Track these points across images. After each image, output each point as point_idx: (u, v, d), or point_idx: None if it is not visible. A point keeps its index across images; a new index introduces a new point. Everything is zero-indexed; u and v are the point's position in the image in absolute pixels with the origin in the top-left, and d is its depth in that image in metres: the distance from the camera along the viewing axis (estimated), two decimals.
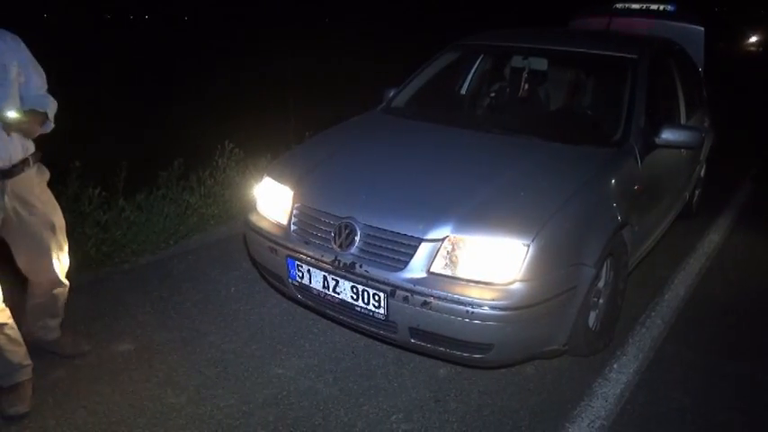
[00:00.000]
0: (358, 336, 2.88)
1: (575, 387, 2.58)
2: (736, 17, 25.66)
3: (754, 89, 12.28)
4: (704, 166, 4.66)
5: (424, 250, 2.36)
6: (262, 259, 2.93)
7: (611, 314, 2.85)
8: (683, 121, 3.82)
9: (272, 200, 2.90)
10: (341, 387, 2.56)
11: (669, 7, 5.16)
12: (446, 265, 2.35)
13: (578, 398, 2.50)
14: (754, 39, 24.72)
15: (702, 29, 4.87)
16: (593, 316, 2.71)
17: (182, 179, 4.34)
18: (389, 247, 2.43)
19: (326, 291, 2.57)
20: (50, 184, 3.54)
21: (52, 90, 2.46)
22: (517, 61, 3.87)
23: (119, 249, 3.65)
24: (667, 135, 3.10)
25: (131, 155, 4.09)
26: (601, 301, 2.76)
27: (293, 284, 2.72)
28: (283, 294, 3.01)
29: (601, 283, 2.71)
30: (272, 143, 5.24)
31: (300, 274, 2.65)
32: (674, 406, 2.50)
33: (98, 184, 3.74)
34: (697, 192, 4.63)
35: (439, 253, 2.35)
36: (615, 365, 2.73)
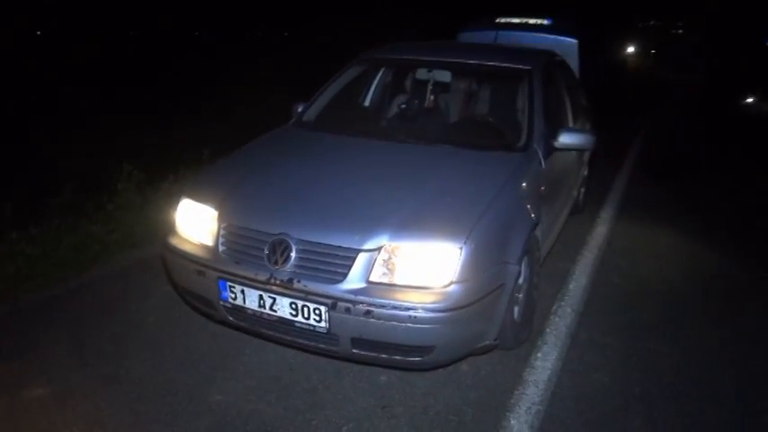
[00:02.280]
0: (292, 352, 2.85)
1: (507, 378, 2.74)
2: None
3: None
4: (587, 166, 5.11)
5: (361, 260, 2.41)
6: (187, 284, 2.82)
7: (529, 307, 3.06)
8: (570, 125, 4.18)
9: (195, 221, 2.80)
10: (285, 405, 2.53)
11: (546, 21, 5.62)
12: (384, 273, 2.41)
13: (512, 387, 2.66)
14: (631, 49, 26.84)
15: (576, 41, 5.35)
16: (516, 310, 2.89)
17: (75, 205, 4.05)
18: (327, 260, 2.45)
19: (263, 309, 2.53)
20: None
21: None
22: (422, 73, 4.04)
23: (13, 287, 3.34)
24: (564, 138, 3.38)
25: (21, 183, 3.75)
26: (521, 295, 2.95)
27: (225, 307, 2.65)
28: (211, 318, 2.91)
29: (521, 279, 2.90)
30: (170, 162, 5.03)
31: (233, 296, 2.59)
32: (597, 385, 2.73)
33: None
34: (582, 190, 5.06)
35: (376, 262, 2.41)
36: (539, 354, 2.93)
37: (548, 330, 3.17)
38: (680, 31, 32.87)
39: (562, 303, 3.48)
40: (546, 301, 3.47)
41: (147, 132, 7.63)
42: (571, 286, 3.72)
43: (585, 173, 5.10)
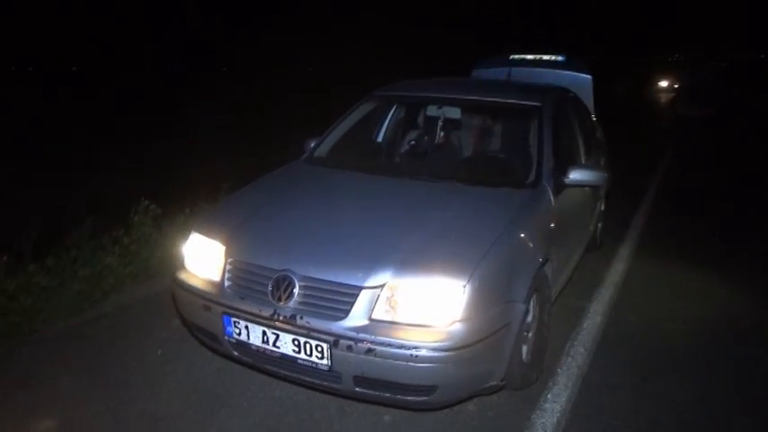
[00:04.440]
0: (297, 388, 2.83)
1: (515, 420, 2.68)
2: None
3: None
4: (604, 201, 5.06)
5: (364, 298, 2.40)
6: (194, 318, 2.84)
7: (539, 346, 3.00)
8: (582, 161, 4.16)
9: (203, 256, 2.84)
10: None
11: (560, 58, 5.65)
12: (387, 310, 2.39)
13: (520, 430, 2.60)
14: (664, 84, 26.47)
15: (590, 77, 5.36)
16: (524, 349, 2.83)
17: (93, 238, 4.13)
18: (329, 297, 2.45)
19: (266, 345, 2.53)
20: None
21: None
22: (432, 110, 4.08)
23: (30, 318, 3.39)
24: (575, 175, 3.36)
25: (39, 214, 3.85)
26: (530, 334, 2.90)
27: (230, 342, 2.65)
28: (216, 353, 2.92)
29: (529, 318, 2.85)
30: (188, 197, 5.13)
31: (237, 331, 2.60)
32: (607, 429, 2.65)
33: (3, 249, 3.48)
34: (599, 225, 5.00)
35: (379, 299, 2.40)
36: (549, 395, 2.86)
37: (559, 371, 3.10)
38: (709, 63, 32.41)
39: (575, 343, 3.41)
40: (558, 341, 3.39)
41: (169, 165, 7.80)
42: (585, 325, 3.64)
43: (602, 208, 5.05)
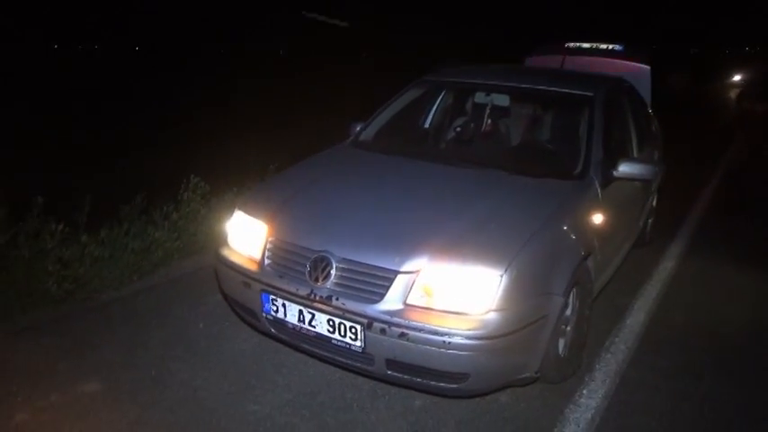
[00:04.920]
0: (332, 368, 2.87)
1: (548, 414, 2.64)
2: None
3: None
4: (656, 196, 4.89)
5: (400, 282, 2.41)
6: (234, 294, 2.91)
7: (578, 341, 2.94)
8: (634, 154, 4.02)
9: (245, 234, 2.90)
10: (318, 422, 2.54)
11: (617, 47, 5.46)
12: (422, 296, 2.39)
13: (552, 424, 2.56)
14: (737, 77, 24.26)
15: (649, 67, 5.16)
16: (562, 343, 2.79)
17: (145, 213, 4.28)
18: (366, 279, 2.46)
19: (302, 324, 2.58)
20: (9, 220, 3.47)
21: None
22: (480, 97, 4.02)
23: (82, 286, 3.56)
24: (624, 168, 3.26)
25: (94, 189, 4.00)
26: (568, 328, 2.85)
27: (267, 319, 2.71)
28: (255, 329, 2.99)
29: (568, 311, 2.80)
30: (237, 176, 5.24)
31: (275, 308, 2.65)
32: (642, 429, 2.59)
33: (60, 219, 3.64)
34: (650, 221, 4.84)
35: (415, 285, 2.40)
36: (584, 391, 2.81)
37: (597, 367, 3.04)
38: None
39: (616, 339, 3.33)
40: (599, 336, 3.32)
41: (221, 145, 7.97)
42: (628, 322, 3.55)
43: (654, 204, 4.88)
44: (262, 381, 2.83)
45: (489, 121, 4.00)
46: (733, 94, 21.03)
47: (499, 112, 4.04)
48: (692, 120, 12.37)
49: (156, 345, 3.12)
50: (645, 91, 4.93)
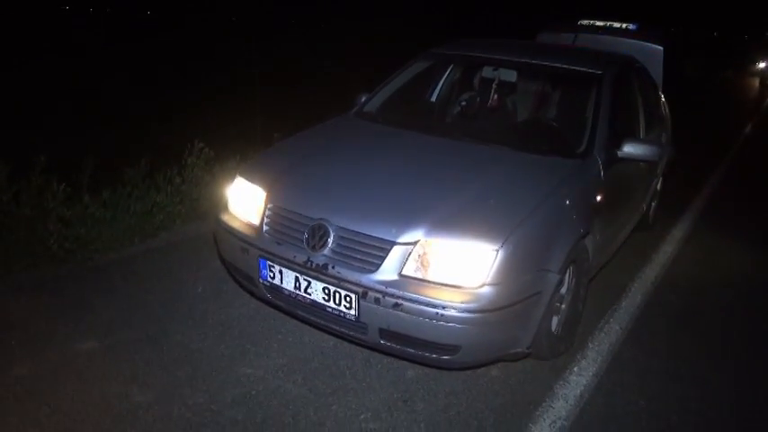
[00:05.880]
0: (326, 336, 2.91)
1: (537, 389, 2.67)
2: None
3: None
4: (661, 180, 4.85)
5: (396, 253, 2.41)
6: (232, 259, 2.93)
7: (572, 319, 2.95)
8: (642, 135, 3.98)
9: (245, 200, 2.90)
10: (310, 387, 2.58)
11: (631, 26, 5.38)
12: (417, 268, 2.40)
13: (541, 399, 2.59)
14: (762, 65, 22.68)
15: (662, 48, 5.07)
16: (555, 320, 2.80)
17: (148, 177, 4.29)
18: (362, 249, 2.47)
19: (298, 291, 2.60)
20: (12, 178, 3.49)
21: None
22: (487, 72, 3.97)
23: (83, 246, 3.59)
24: (629, 149, 3.23)
25: (99, 151, 4.01)
26: (563, 306, 2.86)
27: (264, 285, 2.73)
28: (253, 294, 3.02)
29: (563, 289, 2.81)
30: (241, 142, 5.24)
31: (272, 275, 2.67)
32: (629, 408, 2.61)
33: (62, 179, 3.66)
34: (653, 204, 4.81)
35: (411, 256, 2.41)
36: (575, 368, 2.83)
37: (590, 345, 3.06)
38: None
39: (611, 320, 3.34)
40: (594, 315, 3.33)
41: (225, 114, 7.97)
42: (624, 303, 3.56)
43: (658, 187, 4.85)
44: (257, 345, 2.87)
45: (496, 96, 3.96)
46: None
47: (506, 87, 4.00)
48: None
49: (155, 306, 3.16)
50: (656, 72, 4.86)
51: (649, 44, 5.04)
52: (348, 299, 2.45)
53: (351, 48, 16.88)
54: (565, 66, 3.69)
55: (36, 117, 7.38)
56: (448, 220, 2.48)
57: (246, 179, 2.96)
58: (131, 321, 3.00)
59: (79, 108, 8.12)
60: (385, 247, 2.43)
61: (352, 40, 19.22)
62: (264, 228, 2.73)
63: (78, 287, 3.31)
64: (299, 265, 2.56)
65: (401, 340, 2.43)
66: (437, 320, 2.32)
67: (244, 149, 5.06)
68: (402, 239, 2.42)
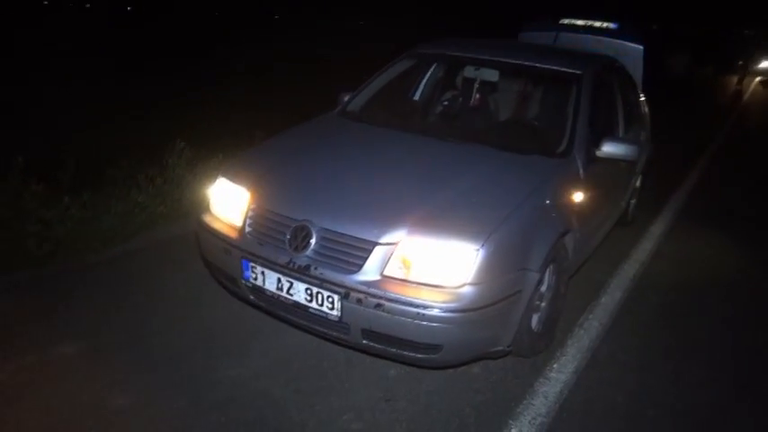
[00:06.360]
0: (309, 337, 2.91)
1: (518, 386, 2.70)
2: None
3: None
4: (640, 178, 4.92)
5: (378, 254, 2.43)
6: (214, 260, 2.93)
7: (552, 316, 2.99)
8: (621, 134, 4.03)
9: (227, 201, 2.90)
10: (293, 388, 2.59)
11: (612, 25, 5.42)
12: (399, 268, 2.42)
13: (521, 396, 2.63)
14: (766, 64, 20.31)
15: (642, 47, 5.13)
16: (535, 318, 2.83)
17: (129, 177, 4.26)
18: (344, 250, 2.48)
19: (280, 292, 2.60)
20: None
21: None
22: (469, 71, 3.99)
23: (63, 248, 3.56)
24: (607, 148, 3.28)
25: (78, 152, 3.98)
26: (543, 304, 2.89)
27: (246, 286, 2.73)
28: (235, 295, 3.01)
29: (544, 287, 2.84)
30: (223, 142, 5.21)
31: (254, 276, 2.67)
32: (608, 404, 2.65)
33: (41, 180, 3.62)
34: (632, 201, 4.88)
35: (392, 256, 2.42)
36: (555, 365, 2.87)
37: (569, 342, 3.10)
38: None
39: (590, 316, 3.39)
40: (573, 313, 3.38)
41: (208, 114, 7.92)
42: (603, 300, 3.61)
43: (638, 185, 4.92)
44: (239, 347, 2.86)
45: (478, 95, 3.99)
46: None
47: (488, 87, 4.03)
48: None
49: (136, 308, 3.14)
50: (637, 71, 4.92)
51: (630, 43, 5.10)
52: (330, 299, 2.46)
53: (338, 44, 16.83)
54: (545, 66, 3.72)
55: (21, 115, 7.30)
56: (429, 219, 2.50)
57: (229, 179, 2.95)
58: (112, 323, 2.98)
59: (61, 107, 8.01)
60: (367, 248, 2.44)
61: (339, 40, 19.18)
62: (247, 229, 2.73)
63: (58, 289, 3.28)
64: (281, 266, 2.56)
65: (384, 340, 2.45)
66: (419, 320, 2.33)
67: (225, 148, 5.04)
68: (384, 240, 2.43)
